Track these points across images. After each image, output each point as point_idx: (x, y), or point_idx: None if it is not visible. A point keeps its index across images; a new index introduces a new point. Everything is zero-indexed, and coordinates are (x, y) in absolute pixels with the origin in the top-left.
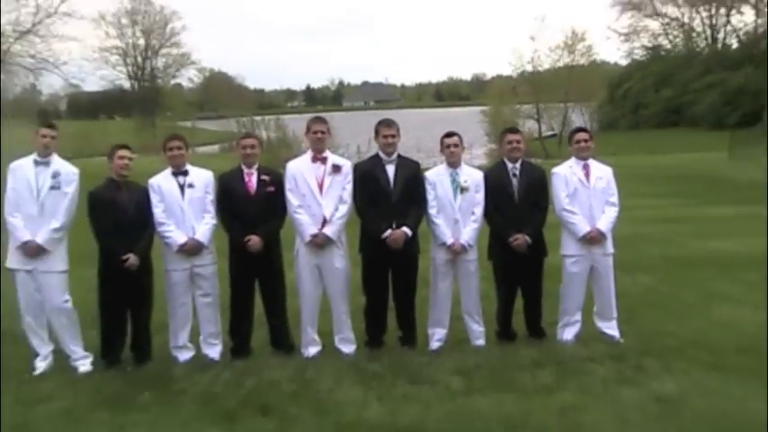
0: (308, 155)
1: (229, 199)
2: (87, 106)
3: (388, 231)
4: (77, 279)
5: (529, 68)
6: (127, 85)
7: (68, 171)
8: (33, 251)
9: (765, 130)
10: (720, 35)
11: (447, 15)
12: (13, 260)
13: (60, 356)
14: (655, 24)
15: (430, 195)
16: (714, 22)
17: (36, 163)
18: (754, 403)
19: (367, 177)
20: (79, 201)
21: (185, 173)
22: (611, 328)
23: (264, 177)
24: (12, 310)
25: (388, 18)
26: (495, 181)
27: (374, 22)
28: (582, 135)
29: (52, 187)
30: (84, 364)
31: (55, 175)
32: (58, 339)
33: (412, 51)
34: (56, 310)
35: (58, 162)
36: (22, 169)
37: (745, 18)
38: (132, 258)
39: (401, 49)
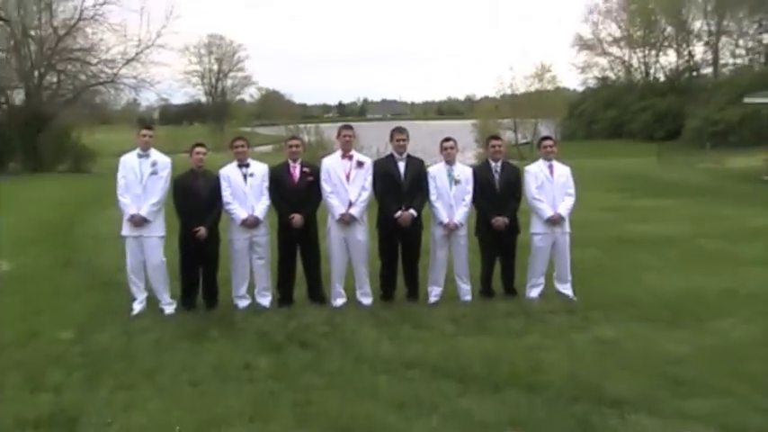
0: (339, 153)
1: (278, 186)
2: (174, 116)
3: (399, 212)
4: (166, 244)
5: (508, 92)
6: (204, 99)
7: (163, 161)
8: (138, 221)
9: (686, 143)
10: (652, 70)
11: (446, 49)
12: (125, 229)
13: (151, 302)
14: (603, 61)
15: (431, 186)
16: (647, 60)
17: (139, 156)
18: (668, 344)
19: (383, 171)
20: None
21: (247, 165)
22: (566, 289)
23: (305, 170)
24: (117, 267)
25: (402, 51)
26: (481, 176)
27: (391, 53)
28: (548, 142)
29: (152, 173)
30: (170, 308)
31: (153, 164)
32: (153, 288)
33: (420, 77)
34: (154, 266)
35: (155, 154)
36: (129, 161)
37: (670, 58)
38: (202, 230)
39: (412, 74)
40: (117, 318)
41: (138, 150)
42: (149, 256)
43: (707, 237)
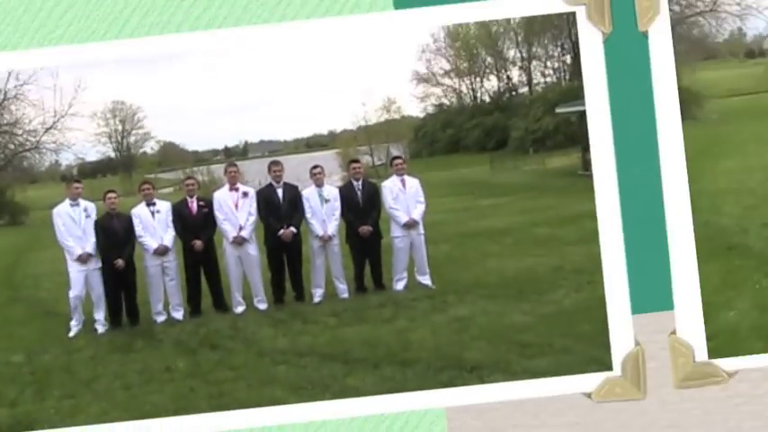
0: (227, 187)
1: (180, 218)
2: (90, 171)
3: (282, 231)
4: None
5: (363, 123)
6: (113, 155)
7: (91, 206)
8: (86, 258)
9: (512, 151)
10: (478, 94)
11: (308, 91)
12: (71, 267)
13: (84, 324)
14: (438, 90)
15: (306, 206)
16: (474, 86)
17: (71, 205)
18: (514, 316)
19: (265, 198)
20: None
21: (154, 204)
22: (426, 280)
23: (201, 203)
24: (54, 298)
25: (272, 97)
26: (346, 194)
27: (264, 100)
28: (398, 161)
29: (86, 216)
30: (102, 328)
31: (86, 209)
32: (92, 311)
33: (290, 117)
34: (98, 293)
35: (83, 202)
36: (64, 210)
37: (492, 83)
38: (119, 262)
39: (283, 116)
40: (58, 340)
41: (68, 201)
42: (93, 286)
43: (536, 225)
